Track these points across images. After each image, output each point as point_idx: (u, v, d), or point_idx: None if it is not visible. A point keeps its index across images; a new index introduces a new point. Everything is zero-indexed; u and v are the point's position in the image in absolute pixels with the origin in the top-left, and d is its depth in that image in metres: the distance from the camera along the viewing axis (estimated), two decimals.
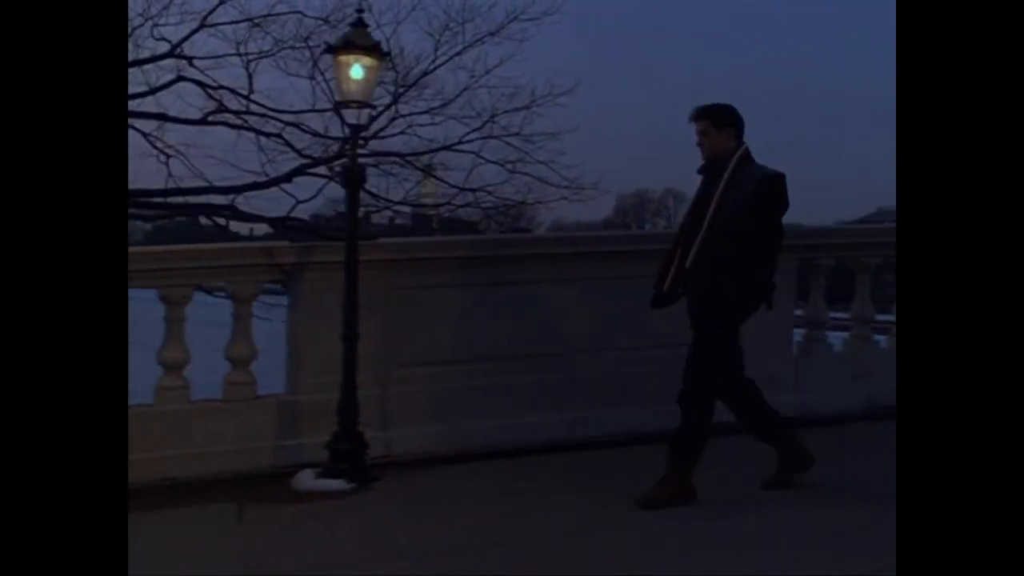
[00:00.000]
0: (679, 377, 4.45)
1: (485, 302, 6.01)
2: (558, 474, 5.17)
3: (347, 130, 5.35)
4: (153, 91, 14.04)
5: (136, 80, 14.20)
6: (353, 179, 5.27)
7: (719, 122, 4.46)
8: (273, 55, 13.47)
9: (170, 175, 14.05)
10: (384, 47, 6.04)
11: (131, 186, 14.01)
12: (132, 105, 14.20)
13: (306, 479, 5.10)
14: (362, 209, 8.38)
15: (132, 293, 5.46)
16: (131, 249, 5.40)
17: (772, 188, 4.38)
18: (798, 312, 6.82)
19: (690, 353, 4.43)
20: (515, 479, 5.15)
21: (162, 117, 14.07)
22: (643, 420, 5.64)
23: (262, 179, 13.09)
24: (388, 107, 12.81)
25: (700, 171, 4.51)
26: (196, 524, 4.72)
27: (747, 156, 4.45)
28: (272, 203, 15.28)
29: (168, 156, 14.18)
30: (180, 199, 14.14)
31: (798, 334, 6.70)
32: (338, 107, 5.21)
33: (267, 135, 13.97)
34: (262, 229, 15.75)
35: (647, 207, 46.13)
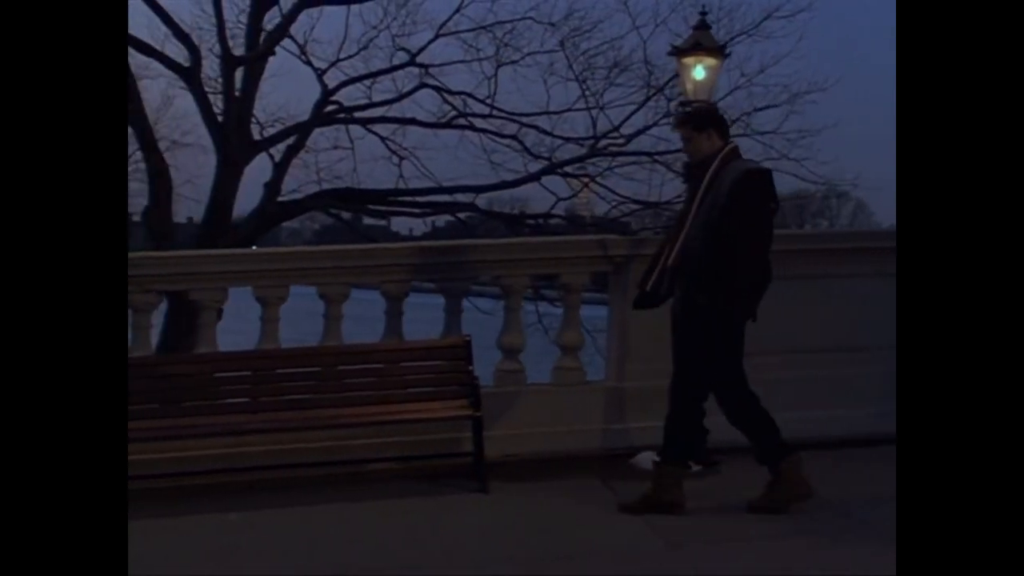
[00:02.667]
0: None
1: (801, 295, 6.08)
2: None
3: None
4: (399, 98, 14.93)
5: (381, 89, 15.23)
6: (688, 175, 5.48)
7: (699, 125, 4.51)
8: (515, 62, 14.08)
9: (401, 176, 14.96)
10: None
11: (368, 187, 15.13)
12: (375, 112, 15.23)
13: (647, 461, 5.33)
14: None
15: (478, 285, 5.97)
16: (470, 242, 5.85)
17: (745, 185, 4.29)
18: None
19: (673, 356, 4.57)
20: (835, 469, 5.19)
21: (407, 121, 14.93)
22: None
23: (510, 178, 13.66)
24: (639, 107, 13.09)
25: (683, 173, 4.44)
26: (576, 496, 4.99)
27: (731, 154, 4.44)
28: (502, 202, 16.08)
29: (401, 159, 15.11)
30: (424, 199, 14.99)
31: None
32: (682, 105, 5.45)
33: (503, 137, 14.62)
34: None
35: None
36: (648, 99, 13.24)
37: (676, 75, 12.82)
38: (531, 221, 13.96)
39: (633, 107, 13.53)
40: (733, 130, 13.69)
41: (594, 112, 13.68)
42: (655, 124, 13.37)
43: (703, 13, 5.51)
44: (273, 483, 5.22)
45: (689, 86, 5.21)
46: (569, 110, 14.05)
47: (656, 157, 13.53)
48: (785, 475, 4.49)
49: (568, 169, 13.73)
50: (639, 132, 13.57)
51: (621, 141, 13.79)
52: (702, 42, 5.21)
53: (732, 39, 13.22)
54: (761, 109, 13.39)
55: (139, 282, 5.60)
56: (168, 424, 5.19)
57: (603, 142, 13.91)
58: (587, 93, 13.74)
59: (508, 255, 5.96)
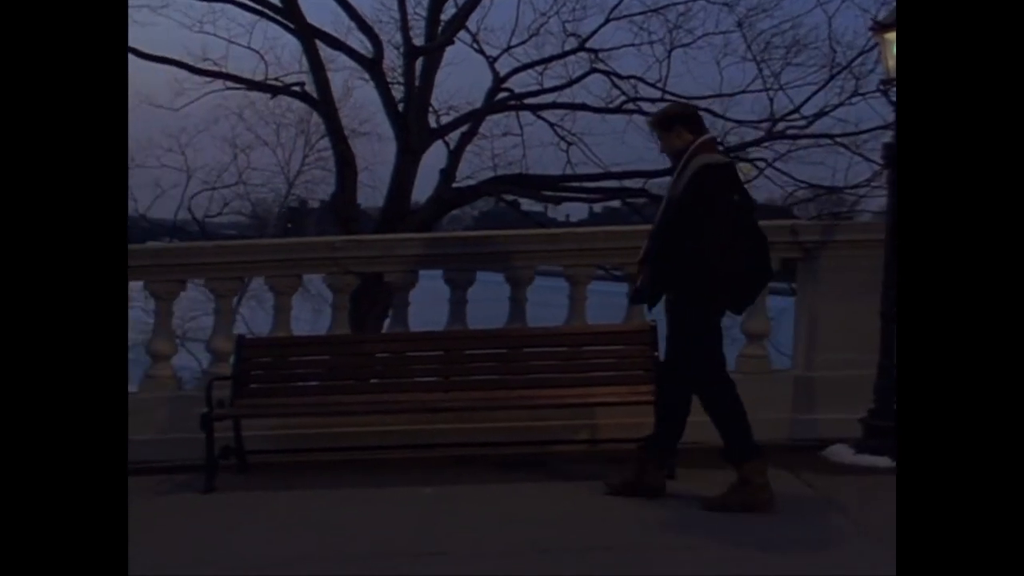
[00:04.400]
0: None
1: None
2: None
3: (893, 108, 5.33)
4: (569, 84, 14.99)
5: (551, 75, 15.34)
6: (892, 157, 5.25)
7: (666, 125, 4.55)
8: (688, 45, 13.86)
9: (568, 161, 15.01)
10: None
11: (537, 173, 15.31)
12: (545, 98, 15.37)
13: (844, 453, 5.18)
14: None
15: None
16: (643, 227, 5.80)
17: (700, 179, 4.29)
18: None
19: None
20: None
21: (577, 107, 14.97)
22: None
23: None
24: (822, 87, 12.64)
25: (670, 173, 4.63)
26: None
27: (700, 149, 4.42)
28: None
29: (569, 144, 15.16)
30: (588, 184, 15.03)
31: None
32: (883, 84, 5.21)
33: None
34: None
35: None
36: (832, 78, 12.72)
37: (863, 52, 12.38)
38: None
39: (813, 87, 13.03)
40: None
41: (771, 93, 13.27)
42: (840, 104, 12.84)
43: None
44: (460, 460, 5.41)
45: (891, 63, 4.96)
46: (744, 92, 13.70)
47: (839, 139, 12.98)
48: (747, 478, 4.43)
49: (742, 153, 13.38)
50: (822, 113, 13.06)
51: (801, 123, 13.32)
52: None
53: None
54: None
55: (340, 264, 5.93)
56: (365, 399, 5.47)
57: (781, 124, 13.49)
58: (764, 74, 13.34)
59: None
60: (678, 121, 4.57)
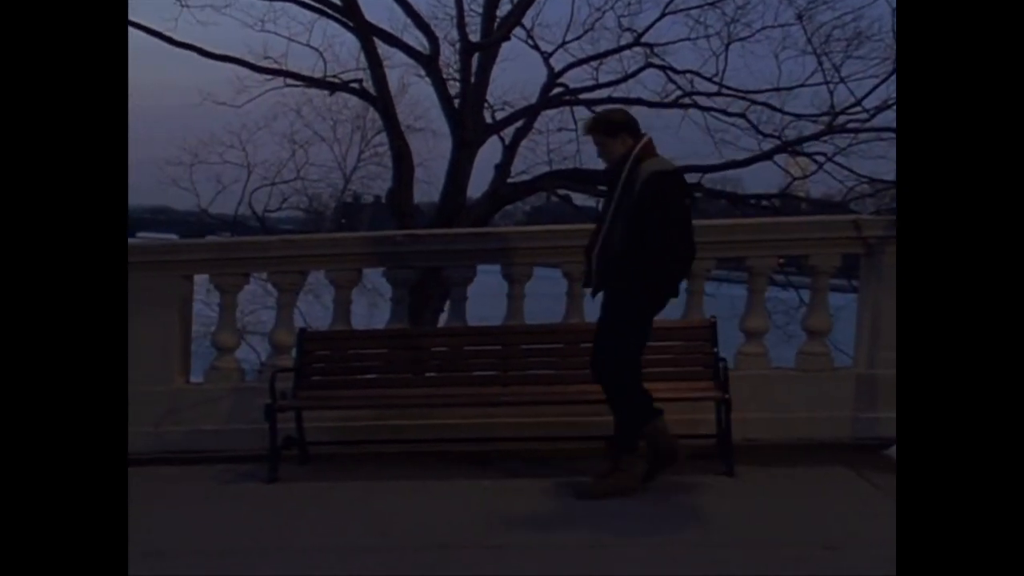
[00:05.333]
0: None
1: None
2: None
3: None
4: (624, 79, 14.95)
5: (606, 70, 15.29)
6: None
7: (611, 131, 4.68)
8: (746, 39, 13.72)
9: None
10: None
11: (591, 167, 15.27)
12: (600, 93, 15.31)
13: None
14: None
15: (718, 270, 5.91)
16: (718, 222, 5.75)
17: (656, 186, 4.48)
18: None
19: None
20: None
21: (633, 101, 14.86)
22: None
23: (739, 157, 13.35)
24: (884, 79, 12.42)
25: (604, 177, 4.82)
26: (829, 484, 4.90)
27: (644, 152, 4.59)
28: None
29: None
30: None
31: None
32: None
33: (730, 115, 14.29)
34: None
35: None
36: (895, 71, 12.45)
37: None
38: (765, 203, 13.54)
39: (875, 80, 12.80)
40: None
41: (831, 86, 13.06)
42: None
43: None
44: (518, 455, 5.43)
45: None
46: (804, 85, 13.51)
47: None
48: (626, 467, 4.68)
49: (797, 148, 13.19)
50: (884, 106, 12.81)
51: (863, 116, 13.09)
52: None
53: None
54: None
55: (400, 258, 5.99)
56: (424, 393, 5.53)
57: (841, 118, 13.27)
58: (824, 67, 13.13)
59: (755, 235, 5.85)
60: (623, 128, 4.72)
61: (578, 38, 14.79)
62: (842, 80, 12.95)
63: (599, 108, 15.23)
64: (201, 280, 6.35)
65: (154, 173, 19.83)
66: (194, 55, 13.15)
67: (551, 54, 14.76)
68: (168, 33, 13.09)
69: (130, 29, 12.67)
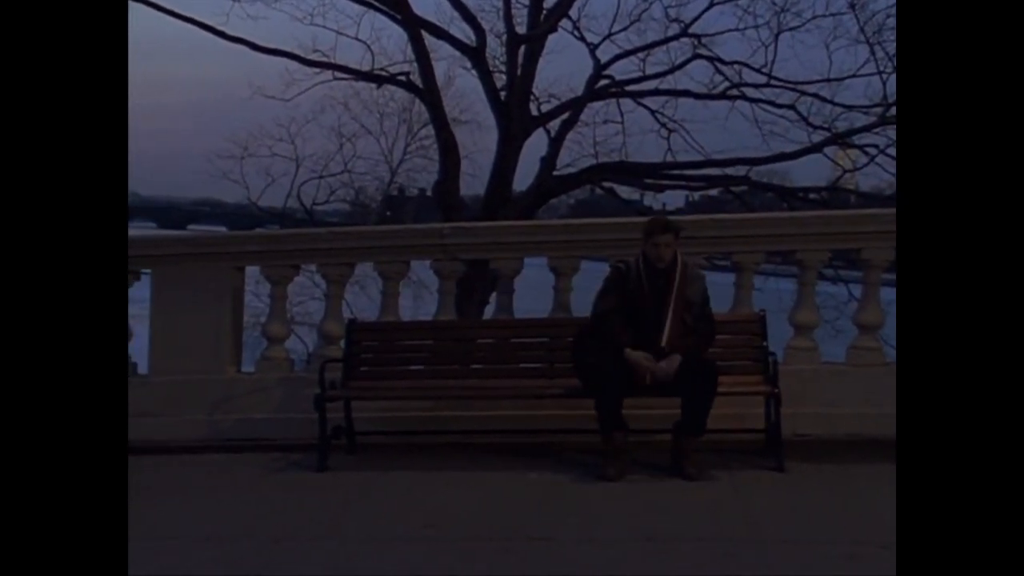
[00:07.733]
0: None
1: None
2: None
3: None
4: (672, 70, 14.80)
5: (653, 61, 15.16)
6: None
7: (679, 233, 5.06)
8: (795, 28, 13.51)
9: (669, 148, 14.82)
10: None
11: (637, 160, 15.17)
12: (646, 85, 15.21)
13: None
14: None
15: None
16: (767, 215, 5.68)
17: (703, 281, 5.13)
18: None
19: None
20: None
21: (680, 93, 14.77)
22: None
23: (788, 149, 13.16)
24: None
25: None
26: (881, 481, 4.79)
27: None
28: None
29: (670, 131, 14.95)
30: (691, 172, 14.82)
31: None
32: None
33: (779, 106, 14.09)
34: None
35: None
36: (896, 70, 12.20)
37: None
38: (813, 195, 13.33)
39: None
40: None
41: (884, 76, 12.79)
42: None
43: None
44: (564, 447, 5.43)
45: None
46: (855, 75, 13.25)
47: None
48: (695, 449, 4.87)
49: (848, 139, 12.96)
50: None
51: None
52: None
53: None
54: None
55: (448, 250, 6.01)
56: (471, 384, 5.55)
57: (894, 109, 12.99)
58: (877, 56, 12.86)
59: (805, 229, 5.78)
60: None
61: (624, 29, 14.69)
62: (895, 70, 12.67)
63: (646, 100, 15.21)
64: (251, 272, 6.45)
65: (204, 167, 20.10)
66: (245, 49, 13.30)
67: (597, 46, 14.69)
68: (220, 28, 13.25)
69: (183, 24, 12.94)
